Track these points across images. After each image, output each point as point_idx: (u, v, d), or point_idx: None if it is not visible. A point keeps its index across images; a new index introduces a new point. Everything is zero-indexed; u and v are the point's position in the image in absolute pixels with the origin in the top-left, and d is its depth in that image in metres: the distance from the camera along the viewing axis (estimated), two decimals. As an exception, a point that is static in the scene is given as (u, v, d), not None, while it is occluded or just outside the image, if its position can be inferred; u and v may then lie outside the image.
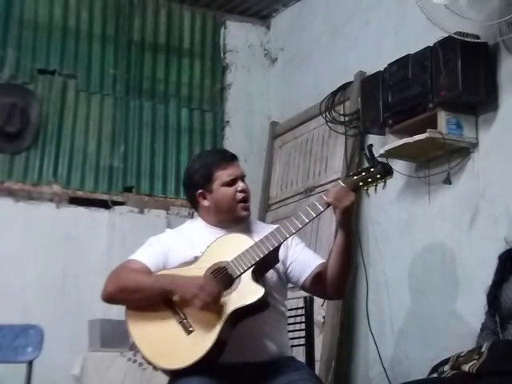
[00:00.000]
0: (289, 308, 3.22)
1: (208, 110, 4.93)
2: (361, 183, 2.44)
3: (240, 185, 2.61)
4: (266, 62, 5.11)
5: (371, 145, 2.56)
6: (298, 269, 2.60)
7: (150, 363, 2.49)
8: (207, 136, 4.89)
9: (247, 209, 2.63)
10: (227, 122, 4.97)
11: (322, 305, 3.88)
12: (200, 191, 2.62)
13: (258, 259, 2.42)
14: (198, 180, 2.63)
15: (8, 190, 4.33)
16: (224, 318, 2.37)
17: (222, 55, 5.03)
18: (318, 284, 2.57)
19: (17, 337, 3.29)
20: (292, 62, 4.86)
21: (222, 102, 4.97)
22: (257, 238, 2.49)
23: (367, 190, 2.46)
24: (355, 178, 2.46)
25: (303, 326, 3.10)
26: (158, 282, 2.48)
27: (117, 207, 4.54)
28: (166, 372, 2.49)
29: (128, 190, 4.63)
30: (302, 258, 2.61)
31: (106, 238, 4.44)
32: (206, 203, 2.62)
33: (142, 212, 4.59)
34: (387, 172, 2.44)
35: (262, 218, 4.56)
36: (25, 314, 3.97)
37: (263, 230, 2.61)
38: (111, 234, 4.46)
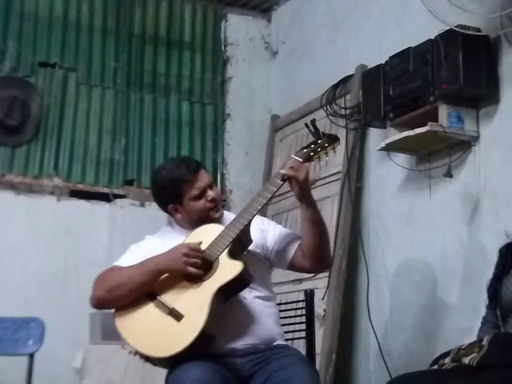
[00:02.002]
0: (289, 301, 3.25)
1: (209, 103, 4.92)
2: (312, 153, 2.59)
3: (209, 194, 2.64)
4: (267, 55, 5.10)
5: (314, 119, 2.69)
6: (280, 250, 2.66)
7: (148, 359, 2.52)
8: (208, 129, 4.89)
9: (218, 210, 2.67)
10: (228, 115, 4.97)
11: (323, 298, 3.88)
12: (171, 205, 2.67)
13: (231, 239, 2.49)
14: (166, 196, 2.66)
15: (9, 183, 4.33)
16: (210, 297, 2.42)
17: (222, 48, 5.02)
18: (302, 260, 2.63)
19: (18, 329, 3.30)
20: (293, 55, 4.85)
21: (222, 95, 4.96)
22: None
23: (319, 158, 2.62)
24: (305, 150, 2.60)
25: (304, 319, 3.10)
26: (143, 268, 2.51)
27: (118, 200, 4.55)
28: (165, 363, 2.50)
29: (129, 183, 4.63)
30: (282, 239, 2.67)
31: (107, 231, 4.45)
32: (178, 215, 2.68)
33: (142, 205, 4.60)
34: (333, 140, 2.62)
35: (263, 212, 4.55)
36: (26, 307, 3.98)
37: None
38: (112, 227, 4.46)
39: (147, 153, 4.69)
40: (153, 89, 4.76)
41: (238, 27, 5.06)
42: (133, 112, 4.68)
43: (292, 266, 2.70)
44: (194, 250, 2.48)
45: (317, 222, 2.60)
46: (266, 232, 2.69)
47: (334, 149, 2.62)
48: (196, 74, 4.90)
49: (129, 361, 3.66)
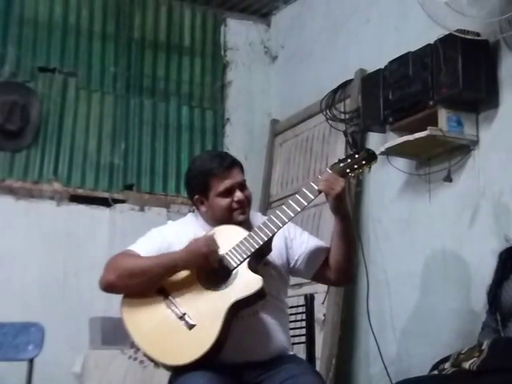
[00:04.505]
0: (289, 306, 3.23)
1: (208, 107, 4.92)
2: (348, 170, 2.49)
3: (237, 195, 2.55)
4: (267, 60, 5.11)
5: (354, 131, 2.60)
6: (307, 260, 2.59)
7: (153, 361, 2.47)
8: (208, 134, 4.89)
9: (243, 213, 2.58)
10: (228, 119, 4.97)
11: (323, 302, 3.88)
12: (197, 197, 2.61)
13: (253, 250, 2.42)
14: (194, 186, 2.62)
15: (9, 187, 4.33)
16: (225, 309, 2.37)
17: (222, 53, 5.03)
18: (328, 272, 2.58)
19: (18, 335, 3.29)
20: (292, 59, 4.86)
21: (222, 100, 4.97)
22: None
23: (354, 176, 2.53)
24: (342, 165, 2.50)
25: (304, 323, 3.10)
26: (159, 262, 2.46)
27: (117, 205, 4.55)
28: (170, 368, 2.47)
29: (128, 187, 4.63)
30: (310, 248, 2.60)
31: (107, 236, 4.44)
32: (203, 208, 2.61)
33: (142, 210, 4.59)
34: (371, 157, 2.51)
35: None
36: (26, 312, 3.97)
37: (261, 221, 2.56)
38: (112, 231, 4.46)
39: (147, 157, 4.69)
40: (152, 93, 4.76)
41: (237, 32, 5.07)
42: (132, 117, 4.69)
43: (317, 278, 2.65)
44: (212, 247, 2.43)
45: (348, 237, 2.53)
46: (291, 240, 2.62)
47: (370, 168, 2.51)
48: (196, 78, 4.91)
49: (128, 366, 3.66)
